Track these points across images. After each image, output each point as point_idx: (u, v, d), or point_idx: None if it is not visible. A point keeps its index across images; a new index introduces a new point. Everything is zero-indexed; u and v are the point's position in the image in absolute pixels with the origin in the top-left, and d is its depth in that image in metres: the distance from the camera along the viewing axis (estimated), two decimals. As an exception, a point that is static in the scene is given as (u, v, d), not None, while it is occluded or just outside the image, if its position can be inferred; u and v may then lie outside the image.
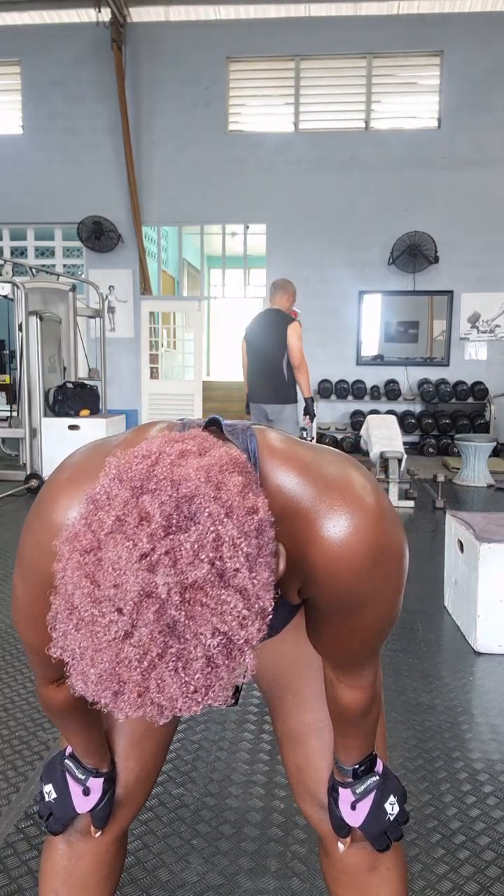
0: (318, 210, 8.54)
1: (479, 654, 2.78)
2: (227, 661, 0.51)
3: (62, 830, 1.01)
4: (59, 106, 8.75)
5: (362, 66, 8.48)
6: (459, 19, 8.14)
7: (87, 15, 8.37)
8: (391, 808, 0.97)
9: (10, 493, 5.58)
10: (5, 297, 6.19)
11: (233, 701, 0.60)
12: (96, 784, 0.99)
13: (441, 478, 5.64)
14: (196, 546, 0.50)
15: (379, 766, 0.99)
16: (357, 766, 0.97)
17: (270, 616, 0.53)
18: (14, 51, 8.75)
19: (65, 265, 9.41)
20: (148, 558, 0.50)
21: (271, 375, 4.87)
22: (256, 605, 0.52)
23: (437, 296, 8.62)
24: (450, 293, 8.53)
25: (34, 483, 5.78)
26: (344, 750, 0.97)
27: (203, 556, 0.50)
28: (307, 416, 5.12)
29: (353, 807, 0.97)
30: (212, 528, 0.51)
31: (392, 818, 0.97)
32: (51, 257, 9.40)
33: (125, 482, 0.54)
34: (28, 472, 5.98)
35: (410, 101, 8.58)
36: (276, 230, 8.73)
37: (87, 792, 0.98)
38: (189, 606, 0.49)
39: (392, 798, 0.98)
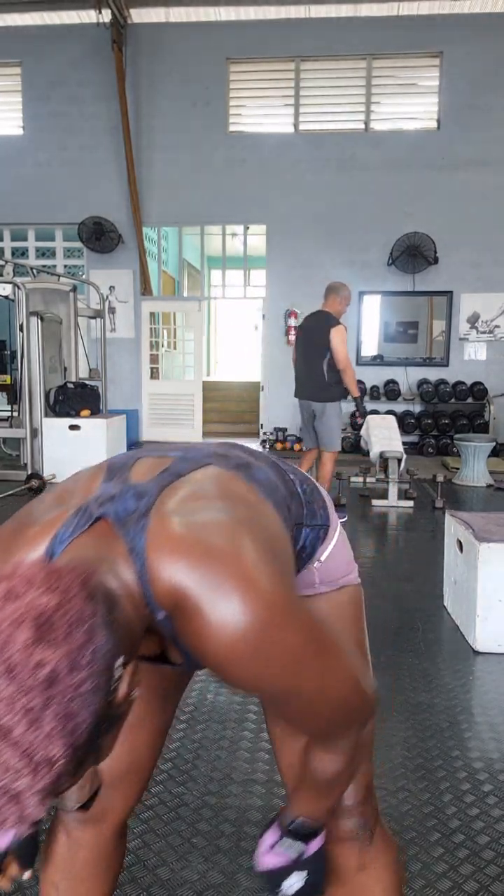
0: (317, 211, 8.55)
1: (478, 653, 2.79)
2: (11, 806, 0.53)
3: None
4: (59, 107, 8.76)
5: (362, 67, 8.49)
6: (459, 20, 8.15)
7: (87, 16, 8.38)
8: (291, 884, 0.95)
9: (10, 493, 5.59)
10: (6, 297, 6.21)
11: (84, 806, 0.67)
12: None
13: (440, 478, 5.64)
14: None
15: (315, 845, 0.95)
16: (294, 822, 0.95)
17: (68, 759, 0.55)
18: (15, 52, 8.76)
19: (65, 266, 9.42)
20: None
21: (313, 375, 5.00)
22: (39, 755, 0.53)
23: (437, 296, 8.63)
24: (449, 294, 8.54)
25: (35, 483, 5.79)
26: (296, 796, 0.96)
27: None
28: (358, 413, 5.39)
29: (271, 847, 0.96)
30: None
31: (286, 890, 0.95)
32: (51, 258, 9.41)
33: None
34: (29, 473, 5.99)
35: (410, 102, 8.60)
36: (276, 231, 8.74)
37: None
38: None
39: (300, 877, 0.95)
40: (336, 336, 4.79)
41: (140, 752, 1.05)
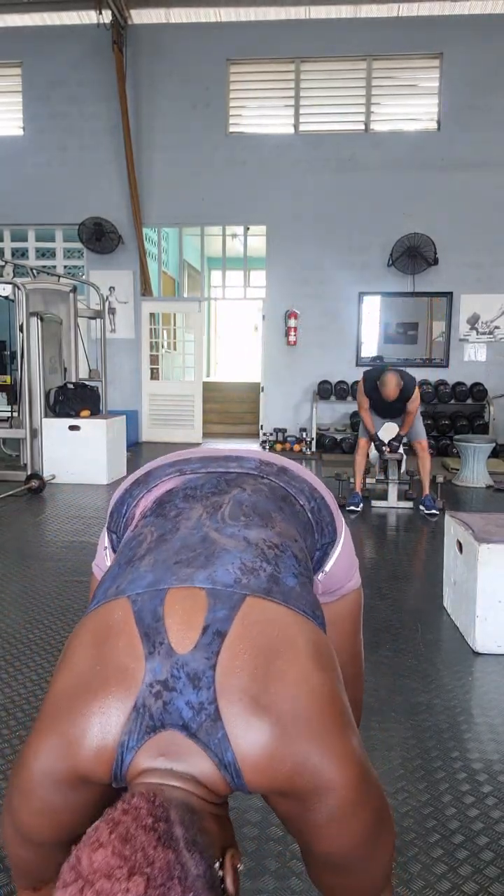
0: (317, 212, 8.56)
1: (477, 654, 2.79)
2: None
3: None
4: (59, 107, 8.77)
5: (362, 68, 8.49)
6: (459, 21, 8.16)
7: (88, 17, 8.39)
8: None
9: (10, 493, 5.58)
10: (6, 298, 6.20)
11: None
12: None
13: (440, 478, 5.63)
14: None
15: None
16: None
17: None
18: (15, 52, 8.77)
19: (65, 266, 9.42)
20: None
21: None
22: None
23: (437, 297, 8.63)
24: (449, 294, 8.54)
25: (35, 483, 5.79)
26: None
27: None
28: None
29: None
30: None
31: None
32: (51, 258, 9.41)
33: None
34: (29, 473, 5.98)
35: (410, 103, 8.60)
36: (276, 231, 8.74)
37: None
38: None
39: None
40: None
41: None
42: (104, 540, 1.26)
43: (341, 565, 1.17)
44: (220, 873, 0.66)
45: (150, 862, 0.60)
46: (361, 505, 5.37)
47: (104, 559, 1.27)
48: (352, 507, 5.27)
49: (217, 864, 0.66)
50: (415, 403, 5.27)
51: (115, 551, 1.21)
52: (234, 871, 0.69)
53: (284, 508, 1.05)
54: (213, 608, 0.81)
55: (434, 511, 5.29)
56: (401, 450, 5.45)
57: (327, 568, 1.14)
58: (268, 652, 0.79)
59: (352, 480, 5.57)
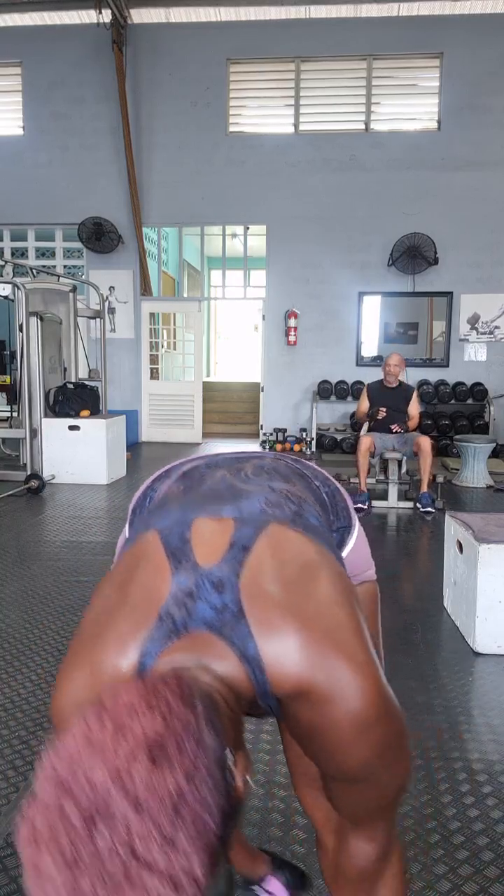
0: (318, 211, 8.56)
1: (477, 654, 2.79)
2: None
3: None
4: (59, 107, 8.77)
5: (362, 67, 8.49)
6: (459, 21, 8.16)
7: (88, 16, 8.38)
8: None
9: (10, 493, 5.58)
10: (6, 297, 6.20)
11: None
12: (274, 885, 0.97)
13: (440, 479, 5.64)
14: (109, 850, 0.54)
15: None
16: None
17: (208, 867, 0.57)
18: (15, 52, 8.76)
19: (65, 266, 9.42)
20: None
21: None
22: (183, 877, 0.55)
23: (437, 297, 8.63)
24: (449, 294, 8.54)
25: (34, 483, 5.79)
26: None
27: (117, 859, 0.54)
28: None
29: None
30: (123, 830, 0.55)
31: None
32: (51, 258, 9.41)
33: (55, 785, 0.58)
34: (28, 473, 5.98)
35: (410, 103, 8.60)
36: (276, 231, 8.74)
37: None
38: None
39: None
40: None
41: None
42: (125, 535, 1.27)
43: (359, 553, 1.18)
44: (230, 763, 0.65)
45: (171, 710, 0.60)
46: (367, 503, 5.39)
47: None
48: (359, 506, 5.28)
49: (229, 756, 0.65)
50: (416, 407, 5.53)
51: None
52: (243, 771, 0.68)
53: (302, 482, 1.08)
54: (239, 529, 0.84)
55: (430, 509, 5.30)
56: (402, 453, 5.46)
57: (344, 554, 1.14)
58: (292, 564, 0.81)
59: (353, 480, 5.57)
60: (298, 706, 0.76)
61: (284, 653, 0.73)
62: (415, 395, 5.67)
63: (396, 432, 5.50)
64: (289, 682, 0.74)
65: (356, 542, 1.17)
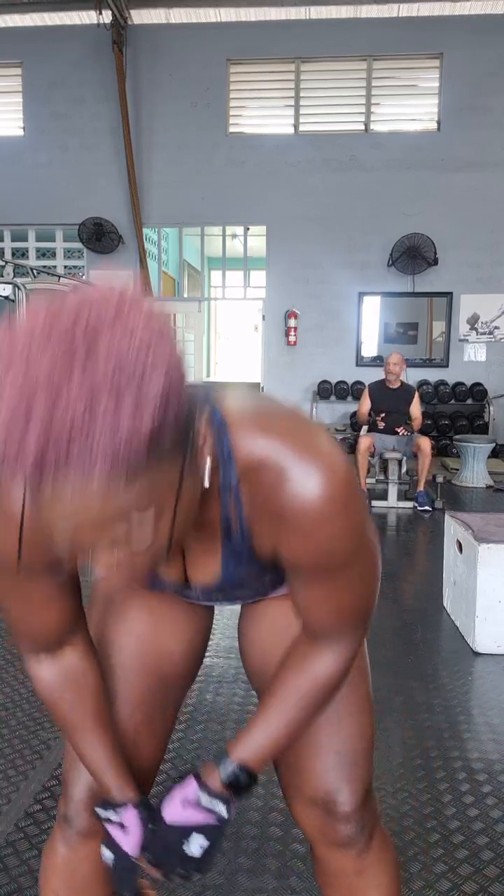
0: (317, 212, 8.56)
1: (477, 654, 2.79)
2: (108, 438, 0.53)
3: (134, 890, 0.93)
4: (60, 107, 8.77)
5: (362, 68, 8.50)
6: (459, 22, 8.16)
7: (88, 17, 8.38)
8: (192, 848, 0.86)
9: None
10: (6, 298, 6.20)
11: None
12: (129, 816, 0.90)
13: (440, 479, 5.65)
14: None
15: (233, 811, 0.87)
16: (236, 771, 0.86)
17: (159, 418, 0.56)
18: (15, 52, 8.77)
19: (66, 266, 9.42)
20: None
21: None
22: (142, 394, 0.54)
23: (437, 297, 8.64)
24: (449, 295, 8.55)
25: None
26: (262, 724, 0.88)
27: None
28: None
29: (190, 802, 0.87)
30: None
31: (188, 854, 0.86)
32: (52, 258, 9.41)
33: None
34: (28, 473, 5.98)
35: (410, 104, 8.60)
36: (276, 232, 8.74)
37: (125, 829, 0.91)
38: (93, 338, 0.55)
39: (199, 842, 0.86)
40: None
41: (157, 729, 1.03)
42: None
43: None
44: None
45: (142, 310, 0.59)
46: (367, 503, 5.41)
47: None
48: None
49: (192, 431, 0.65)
50: (418, 409, 5.61)
51: None
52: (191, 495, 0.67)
53: None
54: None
55: (428, 508, 5.31)
56: (402, 453, 5.47)
57: None
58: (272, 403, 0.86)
59: None
60: (257, 483, 0.74)
61: (251, 429, 0.75)
62: (416, 396, 5.72)
63: (403, 435, 5.52)
64: (248, 454, 0.74)
65: None
